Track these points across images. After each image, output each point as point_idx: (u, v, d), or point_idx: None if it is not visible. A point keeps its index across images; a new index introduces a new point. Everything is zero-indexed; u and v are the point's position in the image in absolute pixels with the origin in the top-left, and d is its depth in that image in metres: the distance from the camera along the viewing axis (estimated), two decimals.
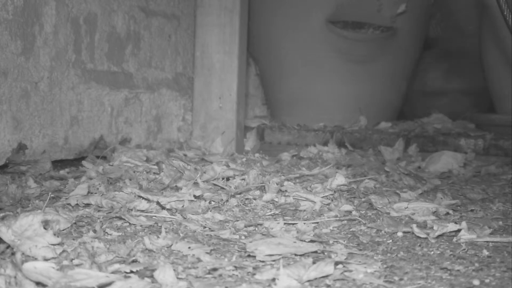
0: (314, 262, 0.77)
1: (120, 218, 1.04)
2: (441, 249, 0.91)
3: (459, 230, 0.99)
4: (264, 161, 1.70)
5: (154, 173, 1.36)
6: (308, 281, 0.74)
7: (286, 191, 1.25)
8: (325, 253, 0.86)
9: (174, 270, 0.73)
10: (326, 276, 0.75)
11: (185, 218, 1.06)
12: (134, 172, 1.36)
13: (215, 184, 1.30)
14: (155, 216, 1.07)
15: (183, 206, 1.13)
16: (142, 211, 1.09)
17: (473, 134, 1.99)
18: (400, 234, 1.00)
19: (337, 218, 1.09)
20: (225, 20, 1.83)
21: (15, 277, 0.68)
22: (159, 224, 1.02)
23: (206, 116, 1.86)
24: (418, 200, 1.19)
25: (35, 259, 0.79)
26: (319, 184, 1.32)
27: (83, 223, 1.01)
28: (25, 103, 1.38)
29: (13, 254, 0.78)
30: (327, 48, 2.12)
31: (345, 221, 1.08)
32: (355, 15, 2.12)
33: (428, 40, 2.82)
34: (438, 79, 2.72)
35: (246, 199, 1.23)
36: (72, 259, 0.79)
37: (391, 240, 0.97)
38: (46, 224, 0.92)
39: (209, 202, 1.17)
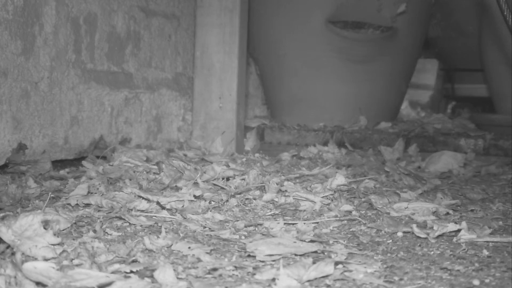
0: (314, 262, 0.77)
1: (120, 218, 1.04)
2: (441, 249, 0.91)
3: (459, 230, 0.99)
4: (264, 161, 1.70)
5: (154, 173, 1.36)
6: (308, 281, 0.74)
7: (286, 191, 1.25)
8: (325, 253, 0.86)
9: (174, 270, 0.73)
10: (326, 276, 0.75)
11: (185, 218, 1.06)
12: (134, 172, 1.36)
13: (215, 184, 1.30)
14: (155, 216, 1.07)
15: (183, 206, 1.13)
16: (142, 211, 1.09)
17: (473, 134, 1.99)
18: (400, 234, 1.00)
19: (337, 218, 1.09)
20: (225, 20, 1.83)
21: (15, 277, 0.68)
22: (159, 224, 1.02)
23: (206, 116, 1.86)
24: (418, 200, 1.19)
25: (35, 259, 0.79)
26: (319, 184, 1.31)
27: (83, 223, 1.01)
28: (25, 103, 1.38)
29: (13, 254, 0.78)
30: (327, 48, 2.12)
31: (345, 221, 1.08)
32: (355, 15, 2.12)
33: (428, 40, 2.82)
34: None
35: (246, 199, 1.23)
36: (72, 259, 0.79)
37: (391, 240, 0.97)
38: (46, 224, 0.92)
39: (209, 202, 1.17)
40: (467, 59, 2.77)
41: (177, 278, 0.73)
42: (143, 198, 1.14)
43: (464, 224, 1.00)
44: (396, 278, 0.77)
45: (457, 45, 2.84)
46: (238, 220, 1.06)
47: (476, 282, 0.75)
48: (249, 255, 0.85)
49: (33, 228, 0.83)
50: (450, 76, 2.97)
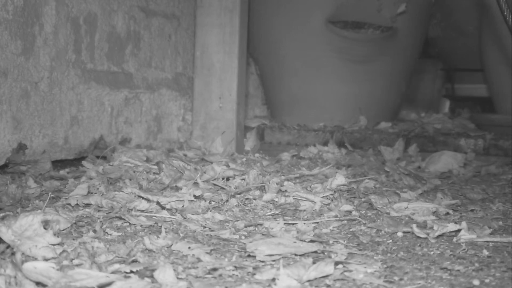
0: (314, 262, 0.77)
1: (120, 218, 1.04)
2: (441, 249, 0.91)
3: (459, 230, 0.99)
4: (264, 161, 1.70)
5: (154, 173, 1.36)
6: (308, 281, 0.74)
7: (286, 191, 1.25)
8: (325, 253, 0.86)
9: (174, 270, 0.73)
10: (326, 276, 0.75)
11: (185, 218, 1.06)
12: (134, 172, 1.36)
13: (215, 184, 1.30)
14: (155, 216, 1.07)
15: (183, 206, 1.13)
16: (142, 211, 1.09)
17: (473, 134, 1.99)
18: (400, 234, 1.00)
19: (337, 218, 1.09)
20: (225, 20, 1.83)
21: (15, 277, 0.68)
22: (159, 224, 1.02)
23: (206, 116, 1.86)
24: (418, 200, 1.19)
25: (35, 259, 0.79)
26: (319, 184, 1.31)
27: (83, 223, 1.01)
28: (25, 103, 1.38)
29: (13, 254, 0.78)
30: (327, 48, 2.12)
31: (345, 221, 1.08)
32: (355, 15, 2.12)
33: (428, 40, 2.82)
34: None
35: (246, 199, 1.23)
36: (72, 259, 0.79)
37: (391, 240, 0.97)
38: (46, 224, 0.92)
39: (209, 202, 1.17)
40: (467, 59, 2.77)
41: (177, 278, 0.73)
42: (143, 198, 1.14)
43: (464, 224, 1.00)
44: (396, 278, 0.77)
45: (457, 45, 2.84)
46: (238, 220, 1.06)
47: (476, 282, 0.75)
48: (249, 255, 0.85)
49: (33, 228, 0.83)
50: (450, 76, 2.98)
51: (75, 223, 1.00)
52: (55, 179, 1.36)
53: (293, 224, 1.03)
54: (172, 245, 0.88)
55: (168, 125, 1.87)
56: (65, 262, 0.78)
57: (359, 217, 1.11)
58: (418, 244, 0.94)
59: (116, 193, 1.16)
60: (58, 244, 0.84)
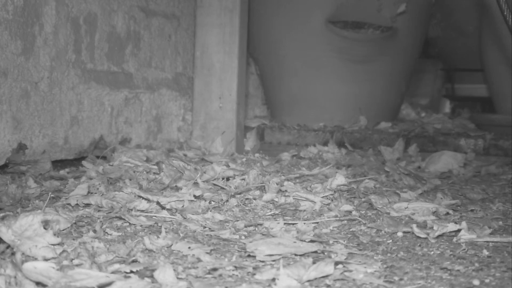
0: (314, 262, 0.77)
1: (120, 218, 1.04)
2: (441, 249, 0.92)
3: (459, 230, 0.99)
4: (264, 161, 1.70)
5: (154, 173, 1.36)
6: (308, 281, 0.74)
7: (286, 191, 1.25)
8: (325, 253, 0.86)
9: (174, 270, 0.73)
10: (326, 276, 0.75)
11: (185, 218, 1.06)
12: (134, 172, 1.36)
13: (215, 184, 1.30)
14: (155, 216, 1.07)
15: (183, 206, 1.13)
16: (142, 211, 1.09)
17: (473, 134, 1.99)
18: (400, 234, 1.00)
19: (337, 218, 1.09)
20: (225, 20, 1.83)
21: (15, 277, 0.68)
22: (159, 224, 1.02)
23: (206, 116, 1.86)
24: (418, 200, 1.19)
25: (35, 259, 0.79)
26: (319, 184, 1.31)
27: (83, 223, 1.01)
28: (25, 103, 1.38)
29: (13, 254, 0.78)
30: (327, 48, 2.12)
31: (345, 221, 1.08)
32: (355, 15, 2.12)
33: (428, 40, 2.82)
34: None
35: (246, 199, 1.23)
36: (72, 259, 0.79)
37: (391, 240, 0.97)
38: (46, 224, 0.92)
39: (209, 202, 1.17)
40: (467, 59, 2.77)
41: (177, 278, 0.73)
42: (143, 198, 1.14)
43: (464, 224, 1.00)
44: (396, 278, 0.77)
45: (457, 45, 2.84)
46: (238, 220, 1.06)
47: (476, 282, 0.75)
48: (249, 255, 0.85)
49: (33, 228, 0.83)
50: (450, 76, 2.98)
51: (75, 223, 1.00)
52: (55, 179, 1.36)
53: (293, 224, 1.03)
54: (172, 245, 0.88)
55: (168, 125, 1.87)
56: (65, 262, 0.78)
57: (359, 217, 1.11)
58: (418, 244, 0.94)
59: (116, 193, 1.16)
60: (58, 244, 0.84)
